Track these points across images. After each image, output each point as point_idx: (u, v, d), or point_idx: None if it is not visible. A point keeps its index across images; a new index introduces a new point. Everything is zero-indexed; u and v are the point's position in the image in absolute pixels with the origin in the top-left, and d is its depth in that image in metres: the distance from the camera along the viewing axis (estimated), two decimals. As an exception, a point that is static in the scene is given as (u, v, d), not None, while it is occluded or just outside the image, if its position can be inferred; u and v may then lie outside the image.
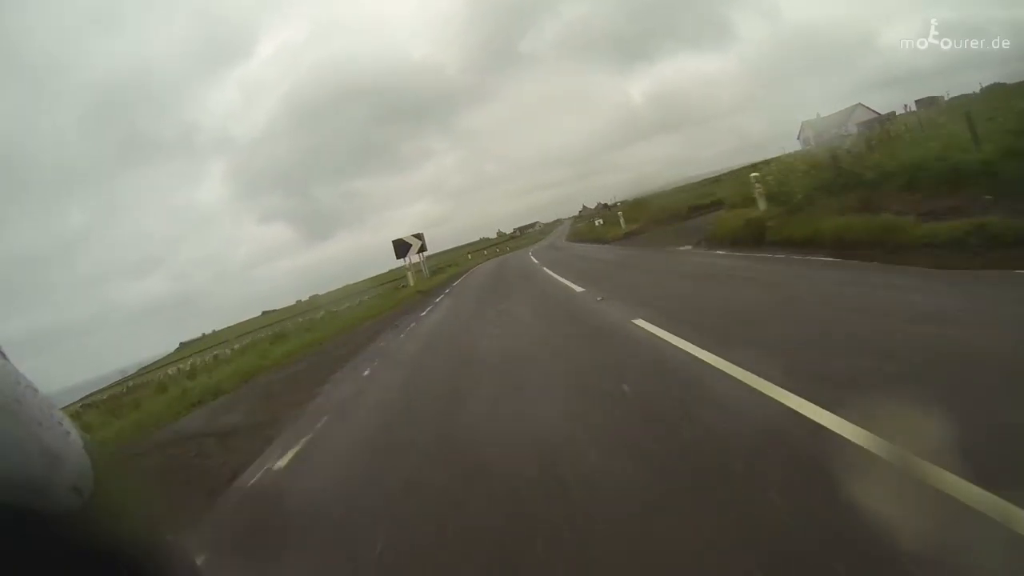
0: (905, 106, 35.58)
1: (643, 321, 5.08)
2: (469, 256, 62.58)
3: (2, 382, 0.42)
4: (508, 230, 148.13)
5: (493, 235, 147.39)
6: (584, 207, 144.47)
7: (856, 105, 36.08)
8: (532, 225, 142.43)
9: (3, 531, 0.39)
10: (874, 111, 34.89)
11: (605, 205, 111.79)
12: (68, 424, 0.46)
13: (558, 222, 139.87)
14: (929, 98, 26.96)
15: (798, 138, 41.74)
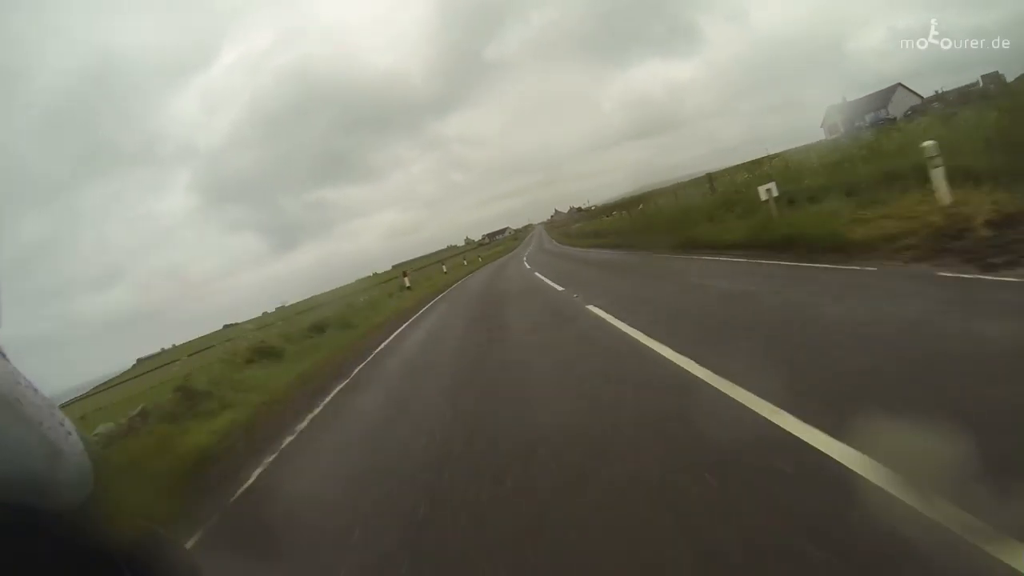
0: (939, 88, 34.15)
1: None
2: (407, 281, 20.35)
3: (2, 382, 0.41)
4: (477, 237, 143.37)
5: (461, 243, 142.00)
6: (556, 211, 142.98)
7: (896, 85, 34.19)
8: (502, 231, 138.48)
9: (5, 529, 0.38)
10: (915, 93, 33.06)
11: (579, 209, 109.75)
12: (69, 424, 0.46)
13: (529, 227, 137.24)
14: (994, 73, 25.30)
15: (821, 126, 39.68)
